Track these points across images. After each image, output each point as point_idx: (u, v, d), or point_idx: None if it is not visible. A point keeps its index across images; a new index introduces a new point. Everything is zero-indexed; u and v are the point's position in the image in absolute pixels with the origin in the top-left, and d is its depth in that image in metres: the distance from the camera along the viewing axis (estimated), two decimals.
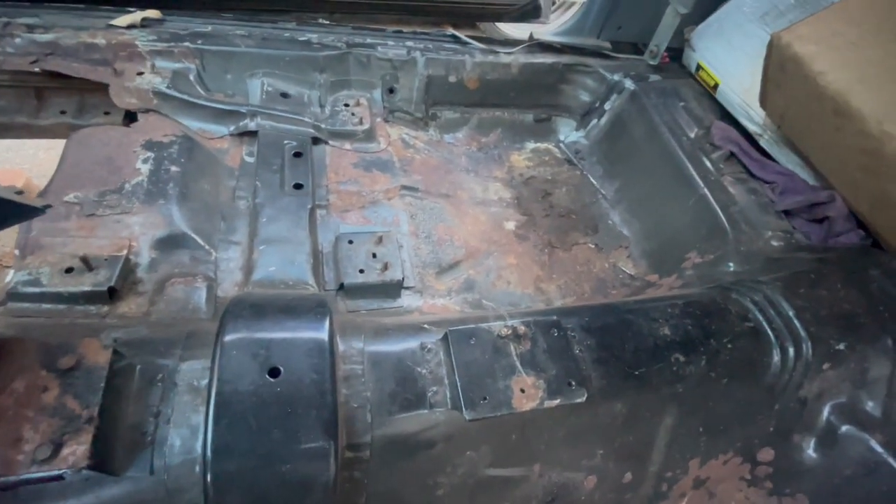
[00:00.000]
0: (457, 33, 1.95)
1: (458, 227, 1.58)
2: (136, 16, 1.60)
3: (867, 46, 1.28)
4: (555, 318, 1.04)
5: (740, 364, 1.09)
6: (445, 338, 0.96)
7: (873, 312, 1.18)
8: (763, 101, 1.53)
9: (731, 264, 1.37)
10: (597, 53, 2.01)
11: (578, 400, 0.94)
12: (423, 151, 1.80)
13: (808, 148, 1.45)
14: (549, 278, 1.54)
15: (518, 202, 1.75)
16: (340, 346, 0.92)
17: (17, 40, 1.44)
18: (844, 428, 1.14)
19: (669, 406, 1.05)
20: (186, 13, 1.72)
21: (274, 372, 0.78)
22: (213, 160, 1.43)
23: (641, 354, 1.03)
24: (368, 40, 1.80)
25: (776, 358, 1.11)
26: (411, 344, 0.97)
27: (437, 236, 1.52)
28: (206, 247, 1.20)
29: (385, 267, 1.28)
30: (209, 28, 1.66)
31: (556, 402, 0.92)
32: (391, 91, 1.82)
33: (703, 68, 1.83)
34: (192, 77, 1.56)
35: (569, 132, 2.04)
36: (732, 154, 1.60)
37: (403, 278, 1.30)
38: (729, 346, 1.09)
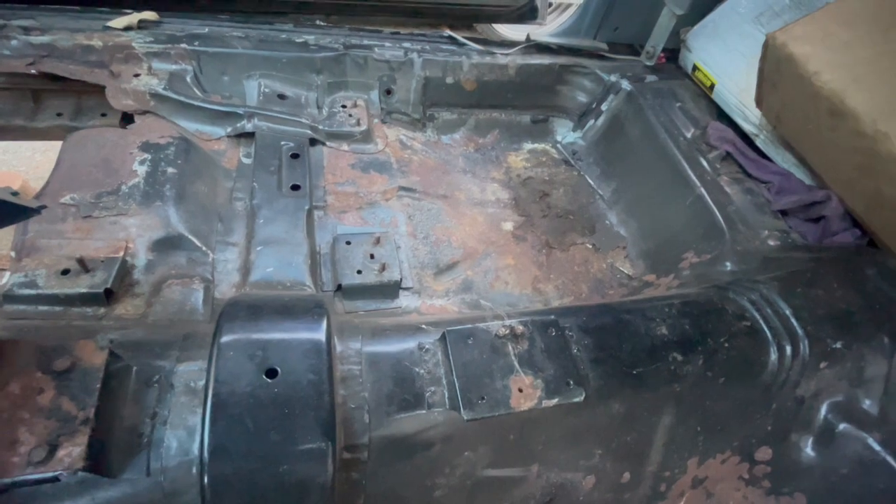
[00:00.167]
0: (453, 34, 1.96)
1: (455, 227, 1.58)
2: (133, 18, 1.60)
3: (861, 46, 1.29)
4: (552, 317, 1.04)
5: (737, 363, 1.09)
6: (443, 338, 0.96)
7: (869, 311, 1.19)
8: (759, 102, 1.54)
9: (728, 264, 1.37)
10: (593, 54, 2.02)
11: (576, 399, 0.94)
12: (421, 152, 1.81)
13: (803, 148, 1.46)
14: (546, 279, 1.54)
15: (516, 203, 1.75)
16: (338, 347, 0.92)
17: (14, 42, 1.44)
18: (842, 426, 1.14)
19: (667, 405, 1.05)
20: (183, 15, 1.71)
21: (271, 373, 0.78)
22: (209, 162, 1.42)
23: (639, 354, 1.03)
24: (365, 42, 1.80)
25: (773, 357, 1.11)
26: (409, 344, 0.96)
27: (434, 237, 1.52)
28: (204, 248, 1.20)
29: (383, 268, 1.28)
30: (206, 30, 1.66)
31: (554, 401, 0.92)
32: (388, 92, 1.82)
33: (699, 69, 1.84)
34: (188, 79, 1.56)
35: (566, 133, 2.04)
36: (729, 154, 1.61)
37: (401, 279, 1.30)
38: (726, 345, 1.09)
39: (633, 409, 1.03)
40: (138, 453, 0.74)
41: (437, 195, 1.66)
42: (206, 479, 0.70)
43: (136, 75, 1.48)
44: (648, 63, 1.99)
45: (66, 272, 1.00)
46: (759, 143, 1.63)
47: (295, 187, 1.39)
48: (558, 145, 2.02)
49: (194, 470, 0.73)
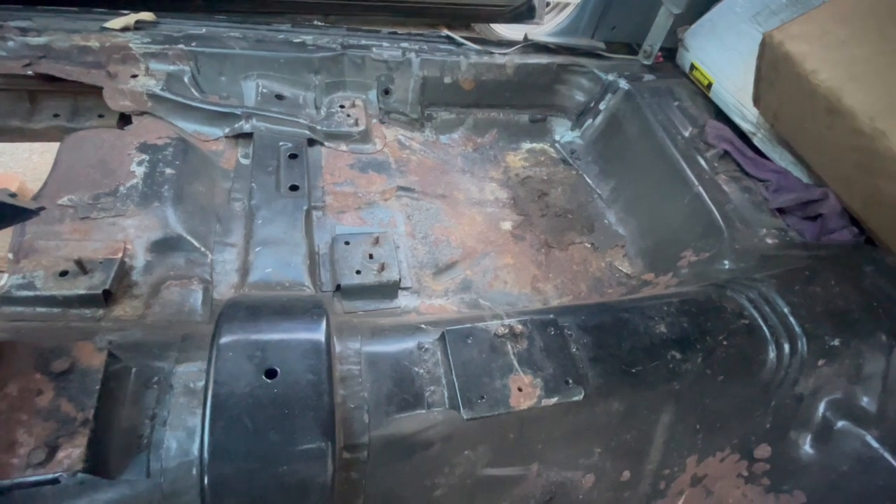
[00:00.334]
0: (451, 34, 1.96)
1: (454, 227, 1.58)
2: (130, 18, 1.60)
3: (857, 44, 1.29)
4: (551, 316, 1.04)
5: (736, 361, 1.10)
6: (442, 337, 0.96)
7: (867, 308, 1.19)
8: (756, 100, 1.54)
9: (726, 262, 1.37)
10: (591, 53, 2.02)
11: (575, 398, 0.94)
12: (419, 152, 1.81)
13: (801, 146, 1.46)
14: (545, 278, 1.54)
15: (514, 202, 1.75)
16: (337, 347, 0.92)
17: (10, 43, 1.44)
18: (840, 424, 1.14)
19: (666, 404, 1.06)
20: (180, 15, 1.71)
21: (270, 373, 0.77)
22: (208, 162, 1.42)
23: (638, 352, 1.03)
24: (363, 42, 1.80)
25: (772, 354, 1.11)
26: (408, 344, 0.97)
27: (433, 237, 1.52)
28: (202, 249, 1.20)
29: (382, 268, 1.28)
30: (203, 30, 1.66)
31: (554, 400, 0.92)
32: (386, 92, 1.82)
33: (696, 68, 1.84)
34: (186, 79, 1.56)
35: (564, 132, 2.05)
36: (726, 152, 1.61)
37: (400, 279, 1.30)
38: (725, 343, 1.09)
39: (632, 407, 1.03)
40: (138, 454, 0.74)
41: (436, 195, 1.66)
42: (205, 480, 0.70)
43: (134, 76, 1.48)
44: (646, 62, 1.99)
45: (64, 274, 1.00)
46: (756, 141, 1.64)
47: (293, 188, 1.39)
48: (556, 144, 2.02)
49: (194, 471, 0.73)
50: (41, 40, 1.46)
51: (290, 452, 0.73)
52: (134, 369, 0.81)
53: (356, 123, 1.67)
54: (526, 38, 1.98)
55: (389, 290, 1.29)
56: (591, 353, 1.01)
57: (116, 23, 1.57)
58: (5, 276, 0.99)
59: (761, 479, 1.16)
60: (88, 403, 0.71)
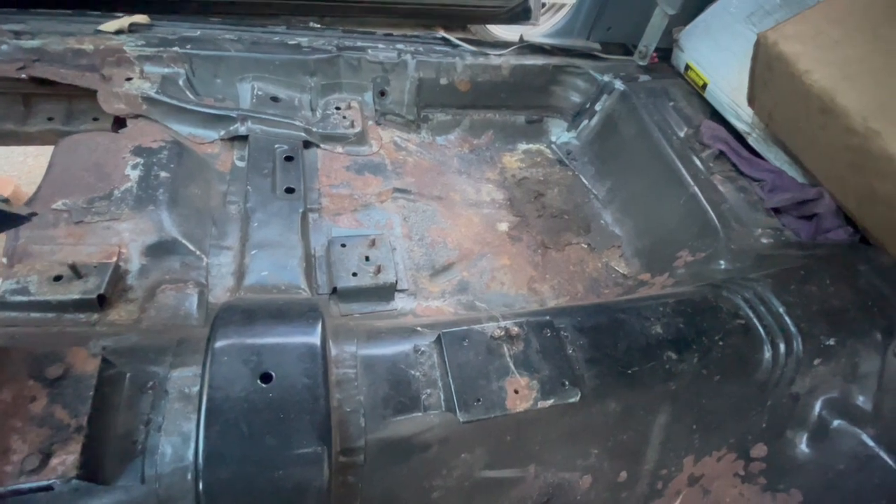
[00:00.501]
0: (447, 35, 1.96)
1: (451, 228, 1.58)
2: (124, 21, 1.59)
3: (851, 45, 1.30)
4: (547, 318, 1.04)
5: (732, 361, 1.10)
6: (439, 340, 0.96)
7: (862, 307, 1.20)
8: (751, 100, 1.55)
9: (722, 262, 1.38)
10: (587, 54, 2.02)
11: (572, 400, 0.94)
12: (416, 154, 1.81)
13: (795, 146, 1.47)
14: (542, 279, 1.54)
15: (511, 203, 1.75)
16: (333, 351, 0.91)
17: (4, 47, 1.43)
18: (836, 422, 1.15)
19: (663, 404, 1.06)
20: (175, 18, 1.71)
21: (266, 377, 0.77)
22: (203, 165, 1.42)
23: (634, 353, 1.03)
24: (359, 43, 1.80)
25: (767, 354, 1.11)
26: (404, 347, 0.96)
27: (430, 238, 1.52)
28: (198, 252, 1.19)
29: (378, 270, 1.28)
30: (198, 32, 1.66)
31: (550, 402, 0.92)
32: (382, 94, 1.82)
33: (691, 68, 1.85)
34: (181, 82, 1.56)
35: (560, 133, 2.05)
36: (722, 153, 1.62)
37: (397, 281, 1.30)
38: (720, 343, 1.09)
39: (628, 408, 1.03)
40: (132, 460, 0.74)
41: (432, 196, 1.66)
42: (201, 486, 0.70)
43: (128, 79, 1.48)
44: (641, 63, 2.00)
45: (58, 278, 0.99)
46: (751, 141, 1.64)
47: (289, 190, 1.39)
48: (553, 145, 2.03)
49: (189, 476, 0.73)
50: (35, 43, 1.45)
51: (286, 457, 0.73)
52: (128, 374, 0.80)
53: (352, 125, 1.67)
54: (522, 40, 1.98)
55: (386, 292, 1.29)
56: (588, 355, 1.01)
57: (110, 26, 1.57)
58: None
59: (758, 478, 1.17)
60: (82, 409, 0.71)
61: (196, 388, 0.79)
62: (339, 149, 1.64)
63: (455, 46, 1.91)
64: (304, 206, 1.36)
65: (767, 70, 1.42)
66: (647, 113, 1.75)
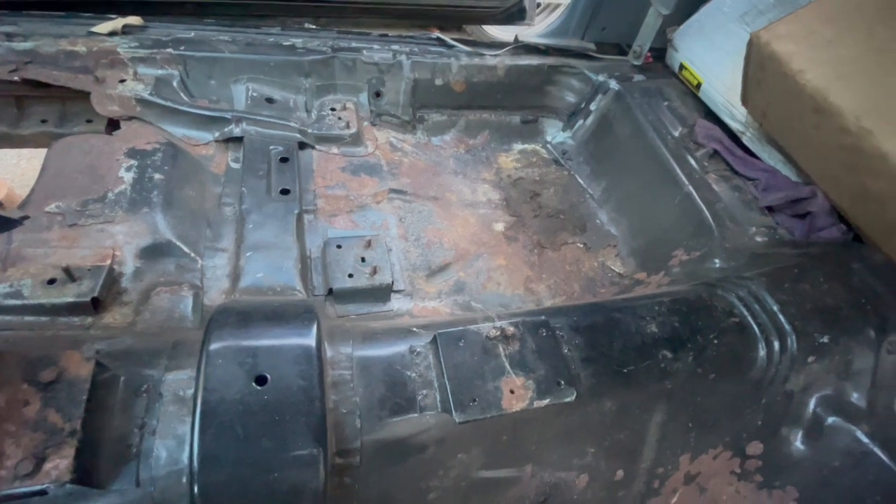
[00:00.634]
0: (442, 36, 1.96)
1: (447, 229, 1.58)
2: (118, 22, 1.58)
3: (844, 44, 1.30)
4: (543, 318, 1.04)
5: (727, 359, 1.10)
6: (434, 341, 0.96)
7: (855, 305, 1.20)
8: (745, 100, 1.55)
9: (716, 261, 1.38)
10: (581, 54, 2.03)
11: (567, 399, 0.94)
12: (411, 154, 1.81)
13: (789, 145, 1.48)
14: (538, 278, 1.55)
15: (507, 203, 1.76)
16: (329, 352, 0.91)
17: None
18: (831, 419, 1.16)
19: (658, 403, 1.06)
20: (169, 19, 1.70)
21: (261, 380, 0.77)
22: (198, 167, 1.41)
23: (629, 352, 1.04)
24: (353, 44, 1.80)
25: (762, 352, 1.12)
26: (400, 348, 0.96)
27: (426, 239, 1.52)
28: (192, 255, 1.19)
29: (374, 271, 1.28)
30: (192, 34, 1.65)
31: (546, 401, 0.93)
32: (377, 95, 1.82)
33: (685, 68, 1.85)
34: (175, 83, 1.55)
35: (555, 133, 2.05)
36: (716, 152, 1.62)
37: (393, 282, 1.30)
38: (715, 341, 1.10)
39: (624, 407, 1.03)
40: (127, 464, 0.73)
41: (428, 197, 1.66)
42: (196, 489, 0.69)
43: (122, 81, 1.47)
44: (636, 62, 2.00)
45: (52, 281, 0.99)
46: (745, 140, 1.65)
47: (284, 191, 1.39)
48: (548, 145, 2.03)
49: (184, 479, 0.73)
50: (27, 45, 1.45)
51: (282, 459, 0.73)
52: (122, 378, 0.80)
53: (347, 126, 1.67)
54: (517, 40, 1.98)
55: (382, 293, 1.29)
56: (583, 354, 1.01)
57: (104, 27, 1.56)
58: None
59: (754, 475, 1.17)
60: (76, 413, 0.71)
61: (190, 391, 0.79)
62: (335, 150, 1.64)
63: (450, 47, 1.91)
64: (299, 207, 1.36)
65: (760, 70, 1.43)
66: (641, 112, 1.75)
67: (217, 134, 1.52)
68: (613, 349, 1.03)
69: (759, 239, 1.40)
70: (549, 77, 1.99)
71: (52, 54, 1.46)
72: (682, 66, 1.87)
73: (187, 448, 0.73)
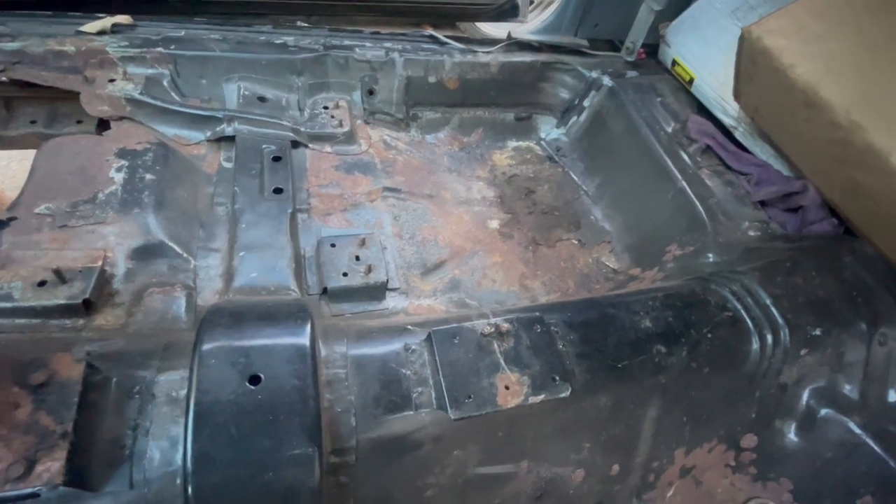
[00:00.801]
0: (435, 33, 1.95)
1: (442, 227, 1.58)
2: (106, 22, 1.57)
3: (834, 39, 1.31)
4: (537, 314, 1.04)
5: (720, 353, 1.11)
6: (429, 338, 0.96)
7: (847, 298, 1.21)
8: (737, 95, 1.56)
9: (710, 255, 1.39)
10: (575, 51, 2.03)
11: (563, 395, 0.94)
12: (405, 152, 1.80)
13: (780, 139, 1.48)
14: (533, 275, 1.55)
15: (501, 201, 1.76)
16: (323, 351, 0.91)
17: None
18: (824, 412, 1.17)
19: (653, 397, 1.07)
20: (158, 18, 1.69)
21: (254, 379, 0.77)
22: (189, 167, 1.40)
23: (624, 347, 1.04)
24: (346, 42, 1.79)
25: (755, 345, 1.13)
26: (395, 346, 0.96)
27: (421, 237, 1.52)
28: (185, 255, 1.18)
29: (369, 269, 1.28)
30: (182, 33, 1.64)
31: (541, 397, 0.93)
32: (371, 93, 1.81)
33: (678, 63, 1.86)
34: (165, 83, 1.54)
35: (549, 130, 2.05)
36: (709, 147, 1.63)
37: (388, 280, 1.30)
38: (709, 335, 1.10)
39: (619, 401, 1.04)
40: (120, 466, 0.73)
41: (423, 195, 1.65)
42: (190, 490, 0.69)
43: (112, 80, 1.46)
44: (629, 59, 2.01)
45: (42, 284, 0.98)
46: (738, 135, 1.66)
47: (277, 190, 1.38)
48: (542, 142, 2.03)
49: (178, 481, 0.72)
50: (15, 45, 1.43)
51: (276, 459, 0.73)
52: (115, 379, 0.79)
53: (340, 124, 1.66)
54: (510, 37, 1.98)
55: (377, 291, 1.29)
56: (578, 350, 1.01)
57: (92, 26, 1.54)
58: None
59: (748, 468, 1.18)
60: (67, 416, 0.70)
61: (184, 392, 0.79)
62: (328, 148, 1.63)
63: (443, 44, 1.91)
64: (292, 206, 1.35)
65: (752, 65, 1.43)
66: (634, 109, 1.76)
67: (209, 133, 1.51)
68: (608, 344, 1.03)
69: (751, 233, 1.41)
70: (543, 74, 1.99)
71: (41, 54, 1.44)
72: (674, 62, 1.88)
73: (181, 449, 0.73)
